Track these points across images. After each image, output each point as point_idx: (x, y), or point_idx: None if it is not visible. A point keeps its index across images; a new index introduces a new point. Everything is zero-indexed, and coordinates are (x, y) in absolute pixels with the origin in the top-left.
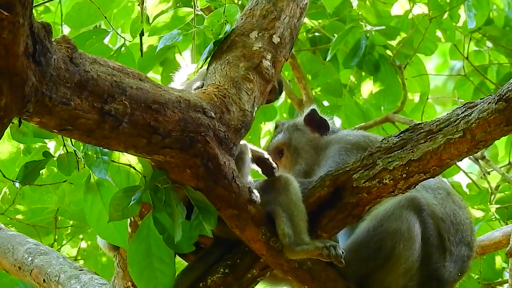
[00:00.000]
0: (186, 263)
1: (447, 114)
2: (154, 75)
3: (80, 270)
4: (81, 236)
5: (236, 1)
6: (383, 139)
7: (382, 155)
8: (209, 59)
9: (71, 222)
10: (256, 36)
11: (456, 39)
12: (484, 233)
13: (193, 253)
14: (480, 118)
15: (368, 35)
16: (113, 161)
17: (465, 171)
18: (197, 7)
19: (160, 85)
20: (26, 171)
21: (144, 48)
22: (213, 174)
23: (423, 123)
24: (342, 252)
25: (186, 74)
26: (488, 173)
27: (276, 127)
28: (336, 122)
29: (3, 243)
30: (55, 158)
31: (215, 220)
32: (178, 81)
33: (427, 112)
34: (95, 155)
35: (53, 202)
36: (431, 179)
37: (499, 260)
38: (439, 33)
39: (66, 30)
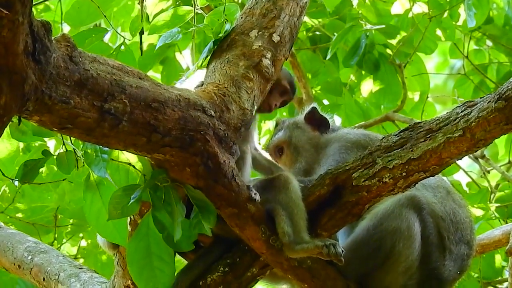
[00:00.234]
0: (185, 262)
1: (447, 113)
2: (154, 74)
3: (80, 268)
4: (81, 235)
5: (236, 0)
6: (383, 138)
7: (382, 154)
8: (209, 57)
9: (71, 221)
10: (256, 34)
11: (456, 38)
12: (484, 231)
13: (193, 251)
14: (480, 116)
15: (368, 34)
16: (112, 159)
17: (465, 170)
18: (197, 5)
19: (160, 84)
20: (25, 169)
21: (144, 47)
22: (213, 172)
23: (423, 121)
24: (342, 251)
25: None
26: (488, 171)
27: (276, 125)
28: (336, 120)
29: (2, 241)
30: (54, 157)
31: (215, 219)
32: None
33: (427, 111)
34: (94, 154)
35: (53, 201)
36: (431, 177)
37: (498, 259)
38: (439, 32)
39: (66, 28)
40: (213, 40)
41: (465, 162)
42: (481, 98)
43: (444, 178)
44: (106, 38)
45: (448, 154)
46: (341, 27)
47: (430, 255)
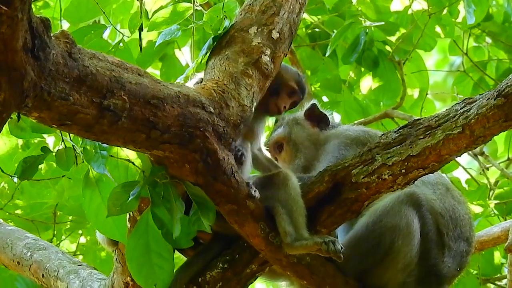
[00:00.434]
0: (185, 258)
1: (446, 109)
2: (154, 71)
3: (79, 265)
4: (80, 231)
5: None
6: (382, 135)
7: (381, 151)
8: (208, 54)
9: (70, 217)
10: (255, 31)
11: (456, 35)
12: (483, 228)
13: (192, 248)
14: (479, 113)
15: (367, 30)
16: (111, 156)
17: (464, 167)
18: (196, 2)
19: (159, 80)
20: (24, 166)
21: (143, 44)
22: (212, 169)
23: (422, 118)
24: (341, 247)
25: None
26: (487, 168)
27: (276, 121)
28: (335, 117)
29: (2, 238)
30: (53, 153)
31: (214, 216)
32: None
33: (426, 108)
34: (93, 150)
35: (52, 197)
36: (430, 174)
37: (497, 256)
38: (438, 29)
39: (65, 25)
40: (212, 36)
41: (465, 159)
42: (480, 95)
43: (444, 175)
44: (105, 34)
45: (447, 151)
46: (341, 24)
47: (429, 251)
